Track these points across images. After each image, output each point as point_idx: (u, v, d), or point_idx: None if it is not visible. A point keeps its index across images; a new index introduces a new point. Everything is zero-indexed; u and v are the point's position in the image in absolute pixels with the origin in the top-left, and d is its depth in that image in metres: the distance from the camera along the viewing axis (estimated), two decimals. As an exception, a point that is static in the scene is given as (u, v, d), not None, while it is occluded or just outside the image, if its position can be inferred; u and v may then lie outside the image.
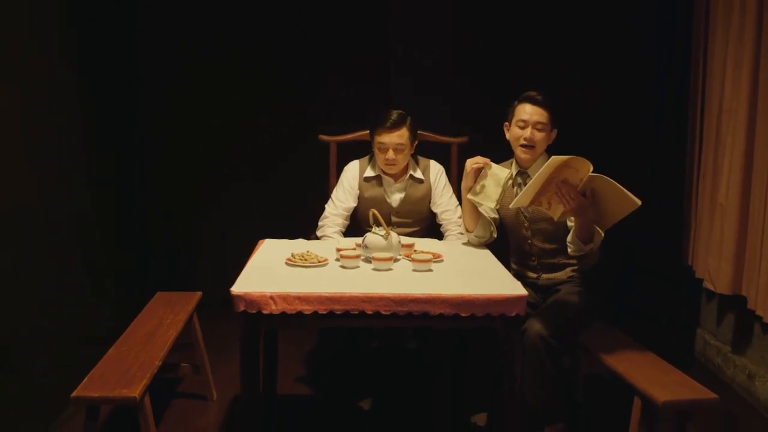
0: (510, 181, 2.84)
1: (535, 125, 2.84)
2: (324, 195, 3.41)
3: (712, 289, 3.44)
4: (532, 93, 2.88)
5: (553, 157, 2.44)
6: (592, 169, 2.44)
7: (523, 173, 2.94)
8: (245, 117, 4.43)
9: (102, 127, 3.90)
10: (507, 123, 2.94)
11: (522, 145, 2.86)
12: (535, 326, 2.55)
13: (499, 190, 2.81)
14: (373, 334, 3.55)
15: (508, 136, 2.94)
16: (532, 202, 2.57)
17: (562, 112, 2.92)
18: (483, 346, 2.77)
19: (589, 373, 3.24)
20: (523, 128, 2.85)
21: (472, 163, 2.86)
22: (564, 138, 2.99)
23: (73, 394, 2.23)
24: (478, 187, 2.85)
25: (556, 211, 2.56)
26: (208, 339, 3.27)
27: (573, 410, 3.03)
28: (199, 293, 3.30)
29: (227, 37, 4.34)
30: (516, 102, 2.91)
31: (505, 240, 3.04)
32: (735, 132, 3.26)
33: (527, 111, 2.85)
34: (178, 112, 4.43)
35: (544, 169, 2.44)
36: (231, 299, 2.21)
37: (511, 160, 3.01)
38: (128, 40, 4.26)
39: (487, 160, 2.86)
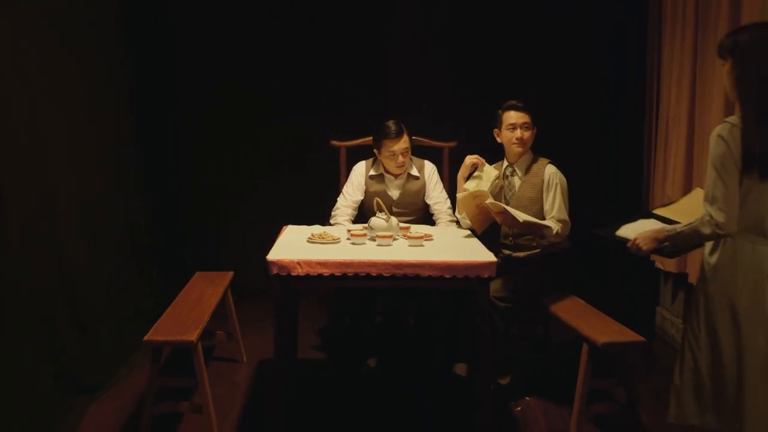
0: (497, 181, 3.47)
1: (523, 126, 3.46)
2: (336, 190, 3.91)
3: (661, 267, 3.99)
4: (514, 101, 3.49)
5: (459, 198, 3.31)
6: (489, 197, 3.23)
7: (510, 167, 3.55)
8: (267, 127, 5.00)
9: (147, 137, 4.54)
10: (497, 129, 3.55)
11: (515, 143, 3.47)
12: (491, 289, 3.04)
13: (489, 185, 3.42)
14: (377, 312, 4.03)
15: (500, 139, 3.55)
16: (479, 227, 3.37)
17: (542, 116, 3.53)
18: (470, 317, 3.28)
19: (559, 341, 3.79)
20: (513, 130, 3.46)
21: (471, 158, 3.50)
22: (547, 140, 3.59)
23: (145, 338, 2.82)
24: (474, 180, 3.46)
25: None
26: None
27: (548, 373, 3.60)
28: (232, 272, 3.85)
29: (255, 64, 4.95)
30: (500, 111, 3.52)
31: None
32: (678, 136, 3.80)
33: (513, 116, 3.46)
34: (213, 124, 5.05)
35: (465, 209, 3.29)
36: (266, 265, 2.75)
37: (501, 161, 3.61)
38: (171, 65, 4.97)
39: (482, 160, 3.49)
